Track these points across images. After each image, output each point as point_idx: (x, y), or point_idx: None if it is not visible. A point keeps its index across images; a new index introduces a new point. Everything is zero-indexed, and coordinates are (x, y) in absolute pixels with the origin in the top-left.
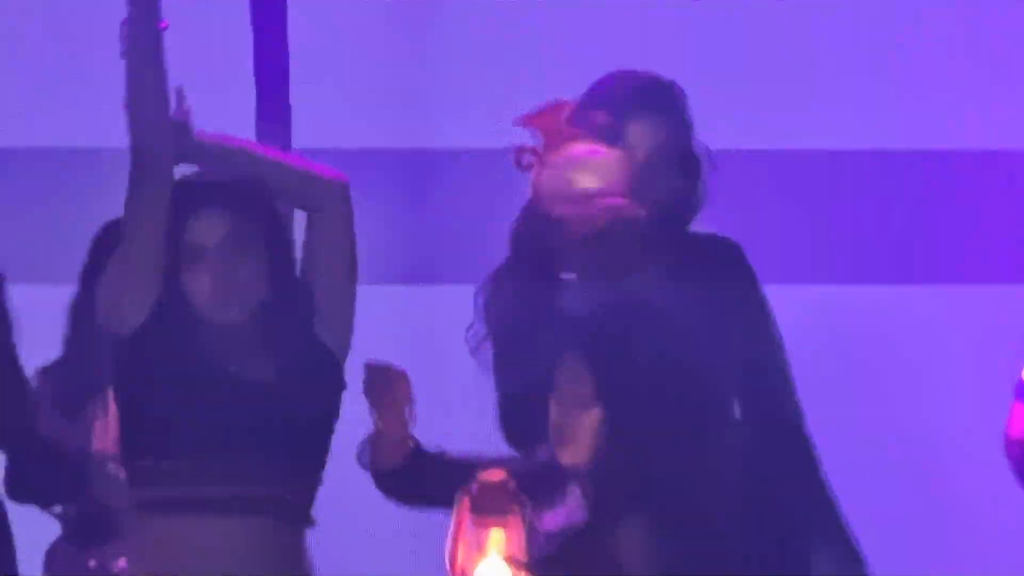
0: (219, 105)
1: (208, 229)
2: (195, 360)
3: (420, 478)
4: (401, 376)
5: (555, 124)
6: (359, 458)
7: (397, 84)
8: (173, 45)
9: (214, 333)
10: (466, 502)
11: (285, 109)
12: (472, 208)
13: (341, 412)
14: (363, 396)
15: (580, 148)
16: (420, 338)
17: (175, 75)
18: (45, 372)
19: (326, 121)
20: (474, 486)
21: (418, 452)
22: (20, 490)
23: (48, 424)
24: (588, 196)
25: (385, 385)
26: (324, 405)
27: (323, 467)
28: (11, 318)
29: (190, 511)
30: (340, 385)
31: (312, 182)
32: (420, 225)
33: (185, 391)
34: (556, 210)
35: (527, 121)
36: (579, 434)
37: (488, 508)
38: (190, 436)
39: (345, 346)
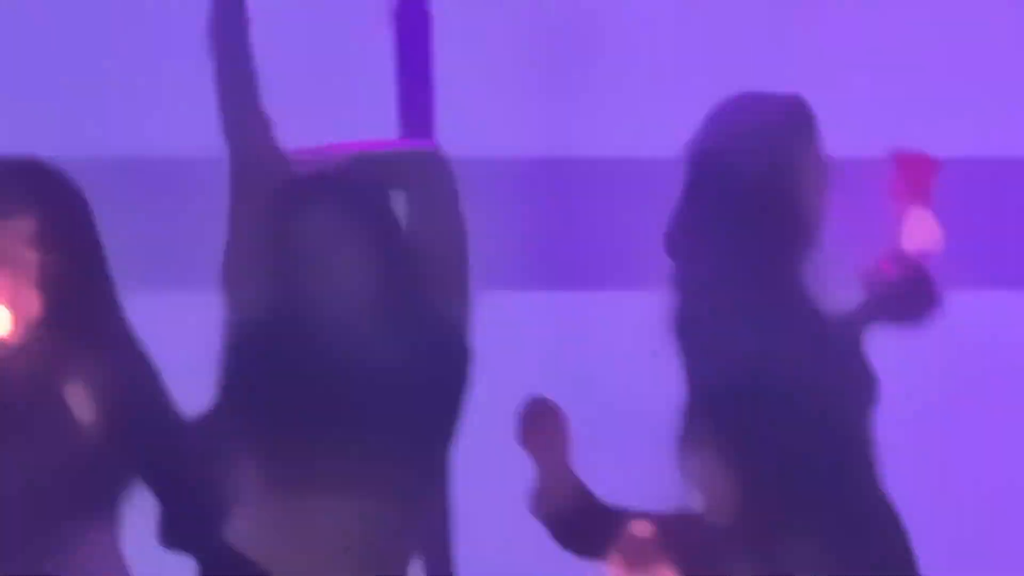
0: (361, 111)
1: (318, 224)
2: (314, 350)
3: (589, 528)
4: (554, 412)
5: (919, 176)
6: (528, 505)
7: (545, 91)
8: (315, 52)
9: (332, 323)
10: (615, 556)
11: (430, 117)
12: (619, 216)
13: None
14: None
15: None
16: (570, 343)
17: (319, 85)
18: (201, 418)
19: (472, 128)
20: (622, 540)
21: (584, 499)
22: (175, 537)
23: (202, 468)
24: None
25: (537, 422)
26: (449, 382)
27: (449, 448)
28: (155, 366)
29: (310, 491)
30: (466, 356)
31: (399, 158)
32: (568, 231)
33: (306, 378)
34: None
35: (902, 159)
36: (716, 494)
37: (636, 562)
38: (311, 421)
39: (466, 314)
